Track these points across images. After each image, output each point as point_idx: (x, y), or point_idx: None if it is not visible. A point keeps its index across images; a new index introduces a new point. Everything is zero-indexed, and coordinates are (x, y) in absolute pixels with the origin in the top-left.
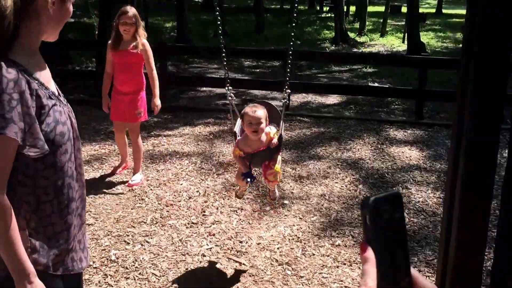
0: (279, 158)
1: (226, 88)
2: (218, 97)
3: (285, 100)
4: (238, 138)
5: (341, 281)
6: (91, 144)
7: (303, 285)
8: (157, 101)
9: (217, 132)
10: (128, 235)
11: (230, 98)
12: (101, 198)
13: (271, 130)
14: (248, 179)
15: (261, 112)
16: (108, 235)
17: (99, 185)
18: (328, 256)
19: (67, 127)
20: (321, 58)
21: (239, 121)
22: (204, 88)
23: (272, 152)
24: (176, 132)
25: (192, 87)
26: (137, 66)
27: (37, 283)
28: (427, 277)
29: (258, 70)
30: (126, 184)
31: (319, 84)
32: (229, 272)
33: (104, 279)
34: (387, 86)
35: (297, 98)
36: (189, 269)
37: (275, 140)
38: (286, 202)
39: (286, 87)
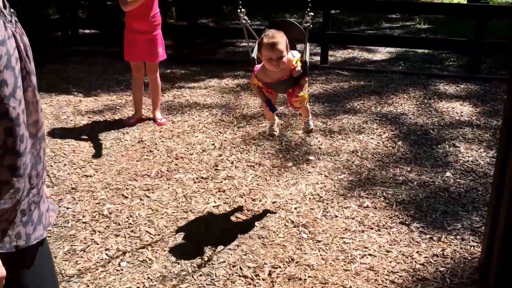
0: (306, 84)
1: (239, 10)
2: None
3: (308, 23)
4: (257, 66)
5: (365, 248)
6: (108, 94)
7: (319, 251)
8: None
9: (245, 84)
10: (127, 189)
11: (244, 21)
12: (106, 149)
13: (294, 56)
14: (272, 107)
15: (282, 44)
16: (106, 188)
17: (107, 136)
18: (353, 218)
19: (5, 50)
20: (367, 7)
21: (257, 45)
22: (244, 43)
23: (296, 79)
24: (201, 84)
25: (223, 39)
26: (155, 2)
27: None
28: (472, 247)
29: None
30: (157, 123)
31: (364, 36)
32: (235, 233)
33: (91, 236)
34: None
35: (341, 54)
36: (189, 228)
37: (298, 68)
38: (311, 158)
39: (308, 9)
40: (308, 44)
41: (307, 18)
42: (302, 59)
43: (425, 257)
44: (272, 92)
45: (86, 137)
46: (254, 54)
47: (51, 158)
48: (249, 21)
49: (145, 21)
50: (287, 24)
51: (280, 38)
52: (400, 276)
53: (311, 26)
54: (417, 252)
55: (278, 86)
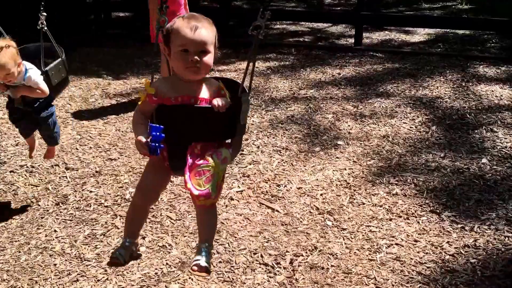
0: (227, 154)
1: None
2: (290, 34)
3: (258, 30)
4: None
5: (392, 237)
6: (137, 77)
7: (343, 239)
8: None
9: (276, 67)
10: None
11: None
12: (132, 133)
13: (224, 89)
14: (152, 147)
15: (208, 29)
16: (130, 171)
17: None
18: (380, 206)
19: None
20: None
21: (162, 38)
22: (278, 26)
23: (215, 124)
24: (231, 66)
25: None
26: None
27: None
28: (507, 238)
29: None
30: None
31: (401, 16)
32: (258, 219)
33: (112, 220)
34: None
35: (378, 36)
36: None
37: (221, 102)
38: (340, 142)
39: (264, 6)
40: (252, 67)
41: (260, 19)
42: (238, 93)
43: (455, 247)
44: (165, 152)
45: (113, 120)
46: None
47: (77, 141)
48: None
49: (173, 1)
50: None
51: (206, 21)
52: (428, 268)
53: (263, 34)
54: (447, 242)
55: (180, 121)
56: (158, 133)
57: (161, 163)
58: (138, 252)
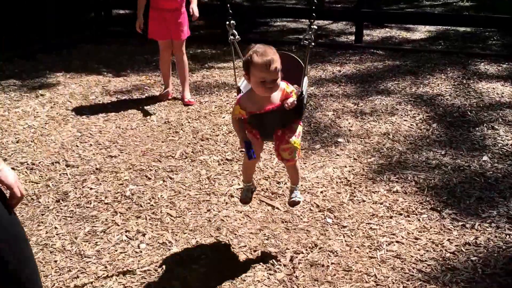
0: (300, 129)
1: (228, 23)
2: (290, 31)
3: (309, 40)
4: (241, 95)
5: (393, 234)
6: (137, 74)
7: (344, 236)
8: (195, 7)
9: None
10: (151, 170)
11: (232, 37)
12: (132, 130)
13: (288, 86)
14: (251, 152)
15: (277, 62)
16: (130, 168)
17: (134, 116)
18: (381, 204)
19: None
20: None
21: (243, 65)
22: (279, 23)
23: (287, 116)
24: (231, 64)
25: (256, 19)
26: None
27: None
28: (508, 235)
29: None
30: (184, 103)
31: (402, 14)
32: (258, 216)
33: (112, 217)
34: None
35: (378, 33)
36: (211, 210)
37: (291, 100)
38: (340, 140)
39: (312, 20)
40: (306, 77)
41: (310, 33)
42: (298, 92)
43: (456, 245)
44: (257, 135)
45: (113, 117)
46: (241, 84)
47: (78, 138)
48: (238, 37)
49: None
50: (280, 55)
51: (274, 55)
52: (429, 265)
53: (313, 44)
54: (448, 240)
55: (265, 120)
56: (250, 149)
57: (257, 139)
58: (255, 187)
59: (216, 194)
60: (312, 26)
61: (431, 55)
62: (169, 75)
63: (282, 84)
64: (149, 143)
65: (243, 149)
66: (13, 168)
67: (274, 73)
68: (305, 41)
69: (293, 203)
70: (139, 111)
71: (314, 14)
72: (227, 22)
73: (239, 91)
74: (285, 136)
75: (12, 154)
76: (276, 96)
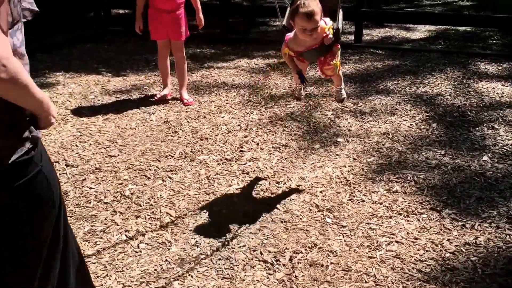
0: (338, 51)
1: None
2: None
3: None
4: (288, 35)
5: (392, 234)
6: (137, 74)
7: (343, 236)
8: (201, 15)
9: (275, 64)
10: (150, 169)
11: None
12: (132, 129)
13: (326, 24)
14: (303, 78)
15: (317, 14)
16: (129, 168)
17: (133, 116)
18: (380, 203)
19: None
20: None
21: (289, 12)
22: (278, 23)
23: (328, 47)
24: (230, 64)
25: (256, 18)
26: None
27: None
28: (508, 236)
29: None
30: (184, 103)
31: (401, 13)
32: (257, 216)
33: (112, 216)
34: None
35: (378, 33)
36: (210, 210)
37: (330, 36)
38: (340, 139)
39: None
40: (341, 10)
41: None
42: (335, 27)
43: (456, 245)
44: (303, 60)
45: (112, 117)
46: (285, 22)
47: (77, 137)
48: None
49: (169, 0)
50: None
51: (316, 7)
52: (428, 265)
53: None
54: (448, 240)
55: (310, 54)
56: (302, 76)
57: (302, 62)
58: (305, 90)
59: (215, 194)
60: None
61: (431, 54)
62: (167, 75)
63: (321, 23)
64: (148, 142)
65: (295, 78)
66: None
67: (313, 23)
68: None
69: (340, 100)
70: (139, 111)
71: None
72: None
73: (284, 28)
74: (327, 59)
75: None
76: (317, 36)
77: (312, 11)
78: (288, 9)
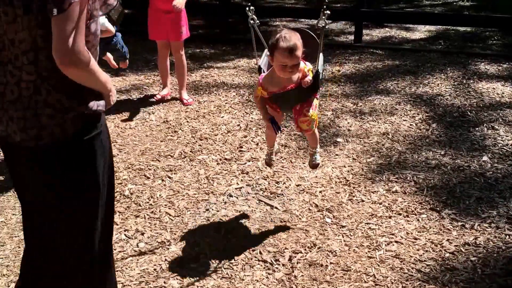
0: (316, 102)
1: (247, 9)
2: None
3: (323, 24)
4: (262, 75)
5: (392, 234)
6: (136, 74)
7: (343, 236)
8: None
9: None
10: (150, 169)
11: (252, 21)
12: (131, 129)
13: (306, 65)
14: (276, 127)
15: (300, 49)
16: (129, 168)
17: (133, 116)
18: (380, 204)
19: None
20: None
21: (265, 52)
22: (278, 23)
23: (305, 92)
24: (230, 64)
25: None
26: None
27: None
28: (508, 236)
29: None
30: (183, 103)
31: (401, 13)
32: (257, 216)
33: None
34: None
35: (378, 33)
36: (210, 210)
37: (309, 78)
38: (339, 140)
39: (324, 7)
40: (321, 54)
41: (323, 18)
42: (314, 70)
43: (455, 245)
44: (277, 109)
45: (112, 116)
46: (262, 63)
47: None
48: (258, 21)
49: (170, 0)
50: (299, 33)
51: (297, 41)
52: (428, 265)
53: (326, 27)
54: (447, 240)
55: (285, 98)
56: (275, 124)
57: (276, 112)
58: (276, 155)
59: (215, 194)
60: (325, 12)
61: (431, 55)
62: (167, 75)
63: (301, 64)
64: (148, 142)
65: (269, 123)
66: None
67: (295, 58)
68: (319, 25)
69: (314, 165)
70: (138, 111)
71: (326, 0)
72: (247, 8)
73: (260, 70)
74: (303, 109)
75: None
76: (295, 76)
77: (294, 45)
78: (266, 49)
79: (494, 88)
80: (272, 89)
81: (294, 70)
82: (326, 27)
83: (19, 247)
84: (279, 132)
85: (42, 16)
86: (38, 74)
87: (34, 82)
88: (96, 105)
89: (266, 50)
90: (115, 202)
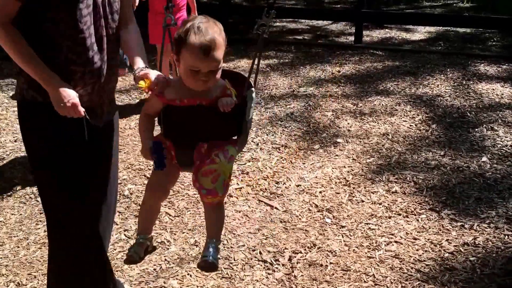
0: (233, 152)
1: (266, 13)
2: (290, 32)
3: (264, 27)
4: (167, 76)
5: (392, 234)
6: None
7: (342, 236)
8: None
9: (275, 64)
10: (150, 169)
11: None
12: (131, 129)
13: (230, 88)
14: (156, 160)
15: (220, 47)
16: (129, 168)
17: (133, 116)
18: (380, 204)
19: None
20: None
21: (174, 41)
22: (278, 23)
23: (220, 123)
24: (230, 64)
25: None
26: None
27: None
28: (506, 236)
29: None
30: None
31: (401, 14)
32: (257, 216)
33: None
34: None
35: (378, 34)
36: None
37: (230, 100)
38: (339, 140)
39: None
40: (253, 89)
41: (265, 18)
42: (245, 96)
43: (454, 245)
44: (172, 151)
45: None
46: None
47: None
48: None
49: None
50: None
51: (218, 36)
52: (427, 265)
53: (267, 32)
54: (447, 240)
55: (187, 121)
56: (160, 152)
57: (169, 161)
58: (154, 246)
59: None
60: (270, 11)
61: (430, 56)
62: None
63: (222, 82)
64: None
65: (147, 154)
66: (11, 167)
67: (213, 62)
68: (259, 31)
69: (205, 266)
70: (138, 111)
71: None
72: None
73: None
74: (212, 153)
75: (10, 153)
76: (211, 90)
77: (211, 40)
78: (175, 36)
79: (493, 89)
80: (171, 95)
81: (210, 80)
82: (267, 33)
83: (18, 247)
84: (162, 168)
85: None
86: None
87: None
88: (28, 92)
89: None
90: None
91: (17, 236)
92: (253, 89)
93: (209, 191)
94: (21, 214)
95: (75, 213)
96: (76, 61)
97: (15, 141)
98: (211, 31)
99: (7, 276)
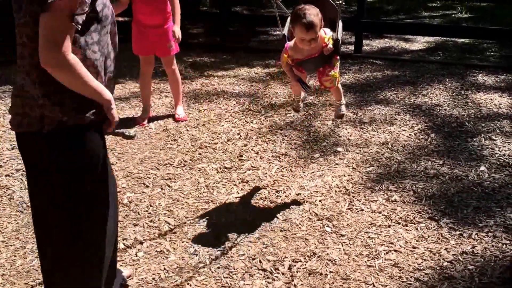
0: (337, 63)
1: None
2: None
3: (340, 0)
4: (288, 43)
5: (391, 243)
6: (136, 81)
7: (342, 245)
8: (178, 31)
9: (275, 73)
10: (149, 177)
11: None
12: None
13: (326, 34)
14: (305, 85)
15: (317, 25)
16: (127, 176)
17: (132, 124)
18: (379, 213)
19: (110, 11)
20: None
21: (289, 21)
22: (278, 32)
23: (326, 58)
24: (230, 72)
25: (256, 27)
26: None
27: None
28: (505, 245)
29: None
30: (175, 119)
31: (401, 24)
32: (256, 225)
33: None
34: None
35: (377, 43)
36: (209, 219)
37: (329, 46)
38: (339, 149)
39: None
40: (340, 21)
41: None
42: (334, 37)
43: (453, 254)
44: (302, 70)
45: None
46: (286, 31)
47: None
48: None
49: (155, 14)
50: (319, 0)
51: (315, 18)
52: (426, 274)
53: (344, 3)
54: (445, 249)
55: (309, 63)
56: (303, 83)
57: (304, 77)
58: (303, 102)
59: (214, 203)
60: None
61: (429, 65)
62: (148, 95)
63: (321, 32)
64: (147, 150)
65: (295, 84)
66: (8, 175)
67: (312, 33)
68: (338, 1)
69: (339, 116)
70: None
71: None
72: None
73: (284, 38)
74: (326, 70)
75: (7, 161)
76: (316, 46)
77: (311, 22)
78: (289, 18)
79: (491, 99)
80: (296, 56)
81: (313, 43)
82: (343, 3)
83: (14, 256)
84: (309, 90)
85: (29, 15)
86: (23, 67)
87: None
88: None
89: (289, 19)
90: None
91: (13, 245)
92: (340, 28)
93: (330, 87)
94: (18, 223)
95: (102, 221)
96: (100, 73)
97: (12, 148)
98: (312, 14)
99: (4, 285)
